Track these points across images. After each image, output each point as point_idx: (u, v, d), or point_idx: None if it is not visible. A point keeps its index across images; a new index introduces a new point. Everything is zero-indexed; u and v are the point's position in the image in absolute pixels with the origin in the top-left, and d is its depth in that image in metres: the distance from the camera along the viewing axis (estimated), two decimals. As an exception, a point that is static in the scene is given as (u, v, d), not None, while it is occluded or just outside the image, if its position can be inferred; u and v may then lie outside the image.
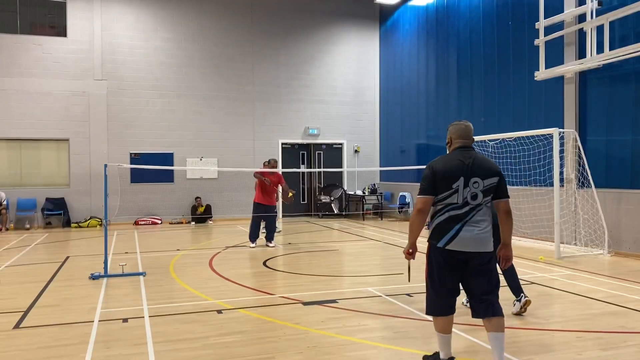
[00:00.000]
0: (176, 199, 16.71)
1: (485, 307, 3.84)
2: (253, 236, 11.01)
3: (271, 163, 11.41)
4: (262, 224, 11.38)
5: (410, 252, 3.96)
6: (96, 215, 15.80)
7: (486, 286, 3.86)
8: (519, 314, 5.58)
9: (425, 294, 4.06)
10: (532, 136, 10.84)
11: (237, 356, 4.42)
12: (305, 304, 6.14)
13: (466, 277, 3.89)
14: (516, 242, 11.29)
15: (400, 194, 17.19)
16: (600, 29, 9.75)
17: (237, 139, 17.53)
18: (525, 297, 5.58)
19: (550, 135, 9.98)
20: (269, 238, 11.17)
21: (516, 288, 5.64)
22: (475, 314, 3.91)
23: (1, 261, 9.51)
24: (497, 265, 4.01)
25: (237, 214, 16.97)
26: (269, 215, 11.11)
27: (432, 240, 3.89)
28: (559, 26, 10.87)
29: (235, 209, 17.06)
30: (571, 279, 7.52)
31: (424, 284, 4.07)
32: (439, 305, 3.91)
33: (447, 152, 4.06)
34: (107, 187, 8.16)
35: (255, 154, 17.65)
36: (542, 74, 10.94)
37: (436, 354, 4.07)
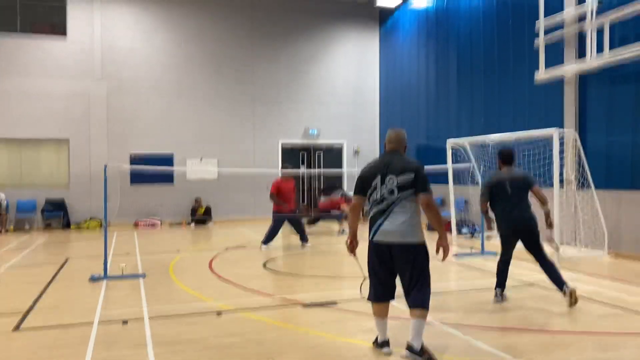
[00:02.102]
0: (176, 200, 16.69)
1: (407, 297, 4.32)
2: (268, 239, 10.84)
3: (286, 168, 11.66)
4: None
5: (350, 243, 4.59)
6: (96, 216, 15.79)
7: (408, 278, 4.28)
8: (571, 305, 5.74)
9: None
10: (532, 137, 10.83)
11: (237, 358, 4.42)
12: (305, 305, 6.14)
13: (396, 267, 4.36)
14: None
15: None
16: (600, 30, 9.74)
17: (237, 140, 17.52)
18: (567, 287, 5.77)
19: (550, 136, 9.97)
20: (304, 239, 11.09)
21: (555, 280, 5.88)
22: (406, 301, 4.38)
23: (1, 262, 9.50)
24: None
25: (237, 215, 16.95)
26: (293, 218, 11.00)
27: (368, 234, 4.46)
28: (559, 26, 10.86)
29: (235, 210, 17.04)
30: (571, 280, 7.49)
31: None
32: (373, 292, 4.48)
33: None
34: (107, 188, 8.15)
35: (255, 154, 17.65)
36: (542, 74, 10.93)
37: (376, 337, 4.57)
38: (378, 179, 4.34)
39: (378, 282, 4.45)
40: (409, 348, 4.23)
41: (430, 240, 4.35)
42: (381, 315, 4.49)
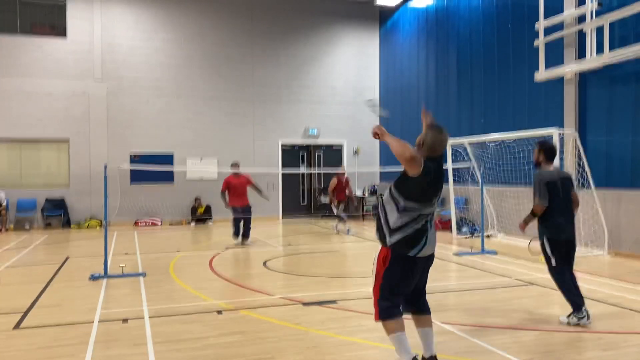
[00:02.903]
0: (176, 200, 16.69)
1: (420, 304, 4.03)
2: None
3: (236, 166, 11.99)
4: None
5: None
6: (96, 215, 15.79)
7: (422, 285, 4.04)
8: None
9: None
10: (532, 136, 10.84)
11: (237, 356, 4.42)
12: (305, 304, 6.14)
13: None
14: (516, 242, 11.29)
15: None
16: (600, 30, 9.75)
17: (237, 140, 17.52)
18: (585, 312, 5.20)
19: (550, 136, 9.98)
20: (246, 235, 11.53)
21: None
22: None
23: (1, 262, 9.51)
24: None
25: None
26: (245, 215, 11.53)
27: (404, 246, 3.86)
28: (559, 27, 10.87)
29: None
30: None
31: None
32: (396, 304, 3.97)
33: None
34: (107, 188, 8.16)
35: (255, 154, 17.65)
36: (542, 74, 10.94)
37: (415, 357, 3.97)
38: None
39: (402, 294, 3.91)
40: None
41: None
42: (401, 328, 3.81)
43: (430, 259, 3.95)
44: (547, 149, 5.54)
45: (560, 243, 5.37)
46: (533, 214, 5.56)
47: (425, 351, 3.92)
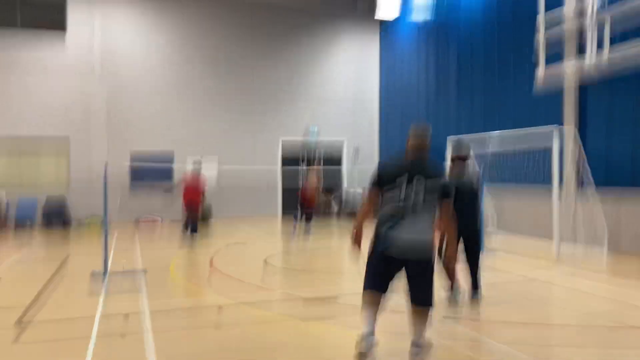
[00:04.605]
0: (176, 199, 16.67)
1: (414, 298, 4.19)
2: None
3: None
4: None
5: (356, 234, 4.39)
6: (96, 215, 15.78)
7: (416, 285, 4.18)
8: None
9: None
10: (532, 135, 10.84)
11: (238, 352, 4.43)
12: (305, 300, 6.15)
13: (405, 274, 4.20)
14: (516, 240, 11.30)
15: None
16: (600, 28, 9.75)
17: (238, 139, 17.54)
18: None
19: (550, 135, 9.99)
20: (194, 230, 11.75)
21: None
22: None
23: (1, 261, 9.51)
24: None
25: (237, 213, 16.96)
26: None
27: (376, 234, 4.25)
28: (559, 26, 10.87)
29: (236, 207, 17.05)
30: (571, 278, 7.53)
31: None
32: (370, 280, 4.24)
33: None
34: (107, 187, 8.16)
35: (255, 153, 17.66)
36: (542, 73, 10.93)
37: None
38: (404, 178, 4.10)
39: (377, 274, 4.15)
40: (419, 344, 4.15)
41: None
42: (372, 306, 4.11)
43: (411, 264, 4.03)
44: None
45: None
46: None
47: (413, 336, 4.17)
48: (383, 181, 4.20)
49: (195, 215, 11.88)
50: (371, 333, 4.04)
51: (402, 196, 4.04)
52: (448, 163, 5.94)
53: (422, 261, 4.04)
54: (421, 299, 4.08)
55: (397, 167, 4.22)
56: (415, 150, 4.34)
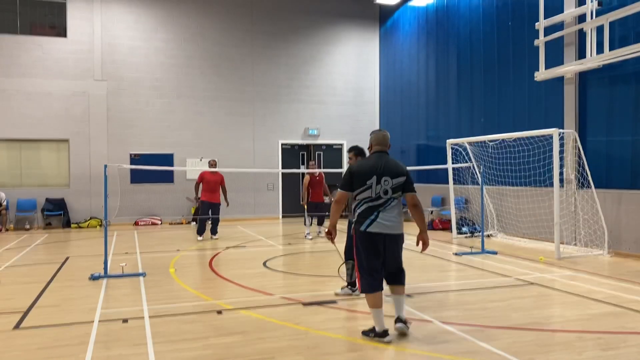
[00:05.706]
0: (176, 199, 16.70)
1: (393, 278, 5.00)
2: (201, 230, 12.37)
3: (211, 163, 12.78)
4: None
5: (330, 233, 5.05)
6: (96, 215, 15.80)
7: (394, 262, 4.95)
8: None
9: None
10: (532, 136, 10.84)
11: (237, 356, 4.42)
12: (305, 304, 6.14)
13: (386, 255, 4.87)
14: (516, 242, 11.30)
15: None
16: (600, 29, 9.75)
17: (237, 140, 17.53)
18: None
19: (550, 136, 9.98)
20: (214, 231, 12.54)
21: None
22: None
23: (1, 261, 9.51)
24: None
25: (237, 214, 16.96)
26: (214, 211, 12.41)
27: (356, 227, 4.85)
28: (559, 26, 10.87)
29: (235, 209, 17.03)
30: (571, 280, 7.52)
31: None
32: (370, 283, 4.80)
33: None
34: (107, 188, 8.16)
35: (255, 154, 17.66)
36: (542, 74, 10.94)
37: (373, 329, 4.78)
38: (374, 179, 4.78)
39: (373, 272, 4.78)
40: (402, 320, 4.85)
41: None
42: (379, 305, 4.74)
43: (389, 240, 4.77)
44: (358, 152, 6.30)
45: None
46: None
47: (396, 312, 4.92)
48: (355, 184, 4.83)
49: (216, 217, 12.25)
50: (387, 331, 4.71)
51: (374, 196, 4.77)
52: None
53: (397, 235, 4.84)
54: (395, 266, 4.89)
55: (366, 171, 4.84)
56: (380, 153, 5.02)
